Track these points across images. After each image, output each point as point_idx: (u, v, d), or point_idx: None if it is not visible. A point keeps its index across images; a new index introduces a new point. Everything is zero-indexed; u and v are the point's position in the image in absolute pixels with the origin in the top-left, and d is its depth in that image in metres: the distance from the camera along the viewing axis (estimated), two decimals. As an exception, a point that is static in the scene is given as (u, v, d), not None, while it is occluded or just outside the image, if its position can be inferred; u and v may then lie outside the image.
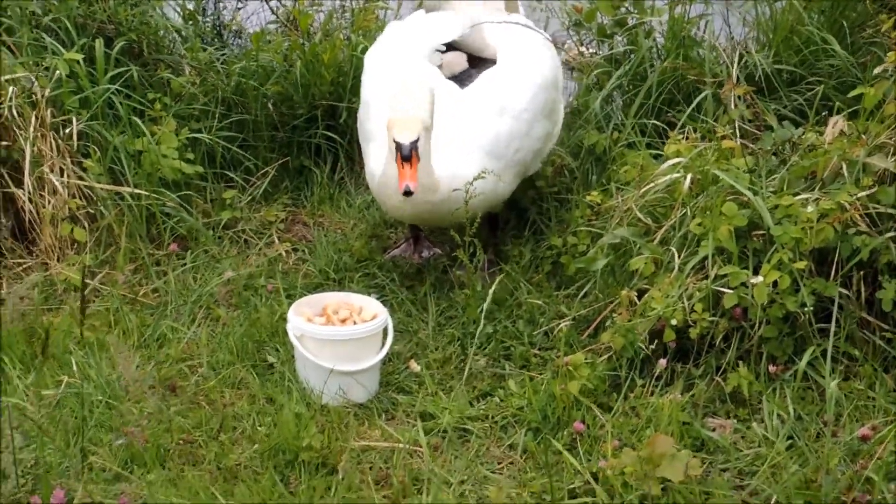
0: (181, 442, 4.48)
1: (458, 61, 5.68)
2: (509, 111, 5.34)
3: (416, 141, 4.90)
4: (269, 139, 6.34)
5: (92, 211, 5.54)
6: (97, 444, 4.43)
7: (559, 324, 5.10)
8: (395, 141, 4.90)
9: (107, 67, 5.87)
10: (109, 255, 5.55)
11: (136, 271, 5.55)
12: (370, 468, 4.42)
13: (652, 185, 5.13)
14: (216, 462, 4.40)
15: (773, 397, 4.54)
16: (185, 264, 5.61)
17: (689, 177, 4.98)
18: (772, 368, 4.62)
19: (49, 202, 5.35)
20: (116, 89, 5.86)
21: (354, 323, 4.92)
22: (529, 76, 5.44)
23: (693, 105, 5.71)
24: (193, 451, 4.47)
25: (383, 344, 4.92)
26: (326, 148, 6.45)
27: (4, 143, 5.32)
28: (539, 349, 5.10)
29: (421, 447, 4.46)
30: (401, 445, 4.49)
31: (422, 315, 5.35)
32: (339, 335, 4.79)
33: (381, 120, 5.25)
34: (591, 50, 6.75)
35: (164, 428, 4.48)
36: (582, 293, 5.20)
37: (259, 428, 4.58)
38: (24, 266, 5.43)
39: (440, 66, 5.61)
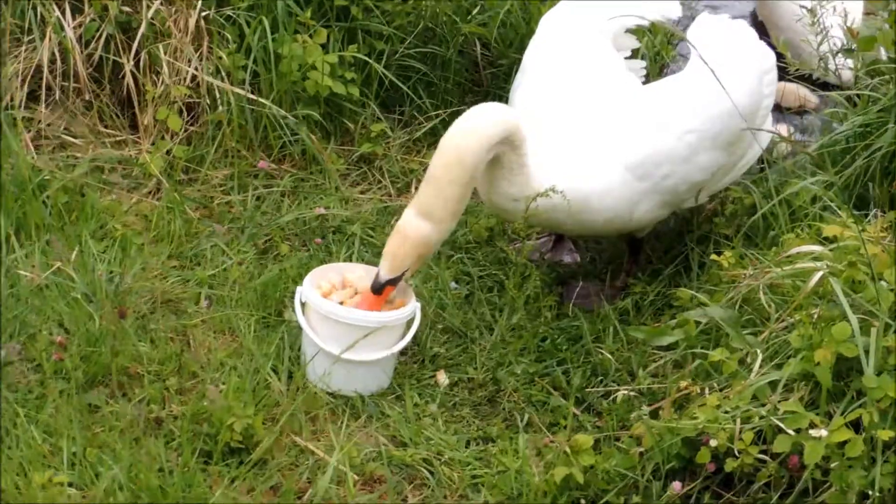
0: (122, 369, 4.01)
1: None
2: (672, 129, 4.38)
3: (395, 280, 4.17)
4: (454, 83, 5.65)
5: (201, 102, 5.08)
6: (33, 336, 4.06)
7: (618, 389, 4.19)
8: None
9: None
10: (206, 154, 5.09)
11: (229, 179, 5.07)
12: (288, 473, 3.78)
13: (780, 268, 4.06)
14: (137, 404, 3.90)
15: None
16: (276, 187, 5.07)
17: (817, 275, 3.88)
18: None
19: (157, 81, 4.95)
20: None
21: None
22: (714, 95, 4.35)
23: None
24: (127, 382, 3.99)
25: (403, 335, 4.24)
26: (511, 109, 5.66)
27: (127, 8, 4.94)
28: (585, 409, 4.21)
29: (353, 476, 3.76)
30: (331, 463, 3.80)
31: (489, 323, 4.56)
32: (350, 318, 4.13)
33: (527, 95, 4.48)
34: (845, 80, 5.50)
35: (109, 349, 4.02)
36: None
37: (213, 386, 4.02)
38: (118, 139, 5.08)
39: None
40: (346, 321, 4.10)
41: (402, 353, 4.35)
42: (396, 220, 5.01)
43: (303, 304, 4.20)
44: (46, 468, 3.60)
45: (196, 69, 4.99)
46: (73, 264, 4.34)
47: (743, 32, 4.65)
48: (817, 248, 4.03)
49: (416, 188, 5.07)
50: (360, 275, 4.33)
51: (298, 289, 4.21)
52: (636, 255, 4.82)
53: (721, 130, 4.40)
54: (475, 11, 5.73)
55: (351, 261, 4.75)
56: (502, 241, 5.00)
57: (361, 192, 5.25)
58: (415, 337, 4.36)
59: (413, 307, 4.23)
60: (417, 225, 4.13)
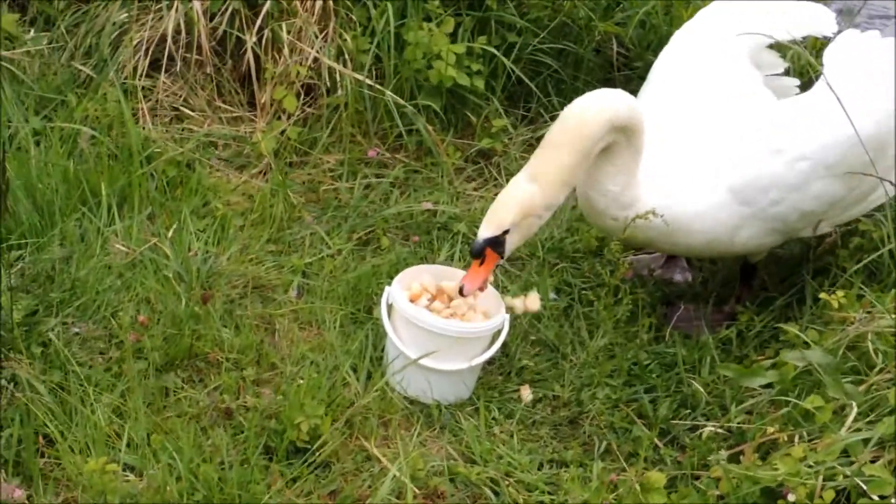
0: (202, 354, 3.99)
1: None
2: (784, 153, 4.11)
3: (495, 239, 3.95)
4: (585, 82, 5.47)
5: (320, 84, 5.01)
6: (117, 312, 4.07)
7: (706, 424, 3.99)
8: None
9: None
10: (319, 138, 5.03)
11: (339, 165, 5.00)
12: (351, 478, 3.71)
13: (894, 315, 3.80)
14: (211, 392, 3.87)
15: None
16: (386, 177, 4.98)
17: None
18: None
19: (278, 60, 4.90)
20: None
21: (462, 316, 4.12)
22: (836, 121, 4.06)
23: None
24: (205, 368, 3.97)
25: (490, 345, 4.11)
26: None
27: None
28: (669, 441, 4.03)
29: (414, 488, 3.67)
30: (393, 474, 3.71)
31: (584, 339, 4.40)
32: (433, 325, 4.02)
33: (647, 105, 4.29)
34: None
35: (184, 333, 4.00)
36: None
37: (292, 382, 3.96)
38: (234, 115, 5.06)
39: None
40: (429, 328, 3.99)
41: (489, 362, 4.24)
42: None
43: (390, 305, 4.11)
44: (110, 450, 3.60)
45: (318, 51, 4.91)
46: (171, 240, 4.32)
47: (885, 55, 4.33)
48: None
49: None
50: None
51: (387, 288, 4.12)
52: (749, 281, 4.59)
53: (839, 160, 4.11)
54: (615, 9, 5.54)
55: (452, 260, 4.64)
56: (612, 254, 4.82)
57: (475, 189, 5.13)
58: (504, 347, 4.24)
59: (500, 319, 4.10)
60: (524, 185, 3.97)
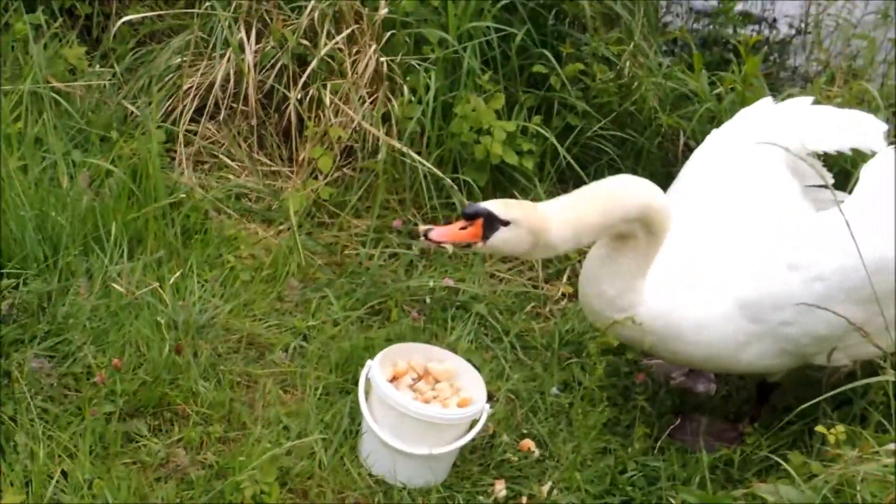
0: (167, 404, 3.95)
1: None
2: (802, 271, 3.88)
3: (494, 217, 3.75)
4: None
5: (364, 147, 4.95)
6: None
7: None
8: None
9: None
10: (350, 201, 4.96)
11: (367, 231, 4.92)
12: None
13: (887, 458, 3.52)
14: (166, 445, 3.83)
15: None
16: (409, 248, 4.88)
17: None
18: None
19: (316, 118, 4.88)
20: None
21: (445, 400, 3.99)
22: (857, 241, 3.77)
23: None
24: (172, 418, 3.93)
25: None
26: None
27: (305, 41, 4.88)
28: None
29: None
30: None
31: (579, 440, 4.21)
32: (402, 406, 3.89)
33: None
34: None
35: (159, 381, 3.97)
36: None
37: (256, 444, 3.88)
38: (272, 169, 5.04)
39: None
40: (398, 408, 3.86)
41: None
42: (532, 308, 4.78)
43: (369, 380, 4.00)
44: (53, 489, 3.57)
45: (362, 116, 4.85)
46: (172, 286, 4.31)
47: None
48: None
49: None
50: (446, 367, 4.09)
51: (369, 361, 4.02)
52: (763, 401, 4.33)
53: (859, 285, 3.84)
54: (685, 102, 5.36)
55: (460, 342, 4.50)
56: (633, 353, 4.63)
57: (507, 271, 4.98)
58: (493, 437, 4.10)
59: (477, 409, 3.95)
60: (548, 208, 3.82)
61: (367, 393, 3.95)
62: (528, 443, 4.17)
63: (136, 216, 4.47)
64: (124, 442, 3.82)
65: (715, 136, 4.36)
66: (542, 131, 5.10)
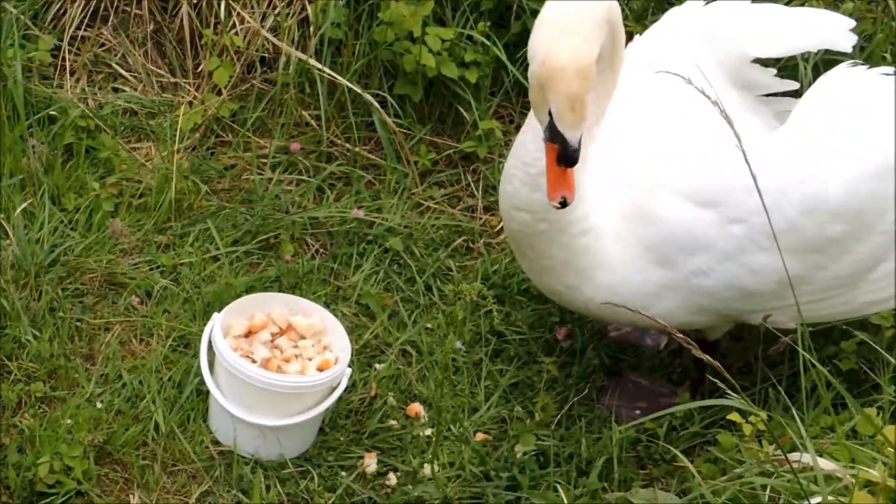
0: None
1: None
2: (719, 209, 3.14)
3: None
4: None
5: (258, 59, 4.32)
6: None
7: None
8: (550, 123, 2.91)
9: None
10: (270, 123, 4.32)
11: (277, 153, 4.28)
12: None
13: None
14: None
15: None
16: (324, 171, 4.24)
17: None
18: None
19: (215, 25, 4.25)
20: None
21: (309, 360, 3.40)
22: (789, 177, 3.10)
23: None
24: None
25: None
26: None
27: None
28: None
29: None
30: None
31: (475, 405, 3.58)
32: (265, 381, 3.31)
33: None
34: None
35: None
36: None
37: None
38: (170, 80, 4.41)
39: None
40: (230, 369, 3.28)
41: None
42: (464, 241, 4.13)
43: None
44: None
45: (274, 19, 4.20)
46: (19, 217, 3.75)
47: (885, 97, 3.24)
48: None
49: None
50: (312, 322, 3.48)
51: (215, 315, 3.42)
52: (701, 368, 3.60)
53: (789, 229, 3.09)
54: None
55: (364, 285, 3.88)
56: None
57: (442, 197, 4.28)
58: (367, 401, 3.52)
59: (333, 373, 3.34)
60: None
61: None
62: (417, 407, 3.57)
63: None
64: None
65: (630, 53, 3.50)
66: (487, 42, 4.35)
